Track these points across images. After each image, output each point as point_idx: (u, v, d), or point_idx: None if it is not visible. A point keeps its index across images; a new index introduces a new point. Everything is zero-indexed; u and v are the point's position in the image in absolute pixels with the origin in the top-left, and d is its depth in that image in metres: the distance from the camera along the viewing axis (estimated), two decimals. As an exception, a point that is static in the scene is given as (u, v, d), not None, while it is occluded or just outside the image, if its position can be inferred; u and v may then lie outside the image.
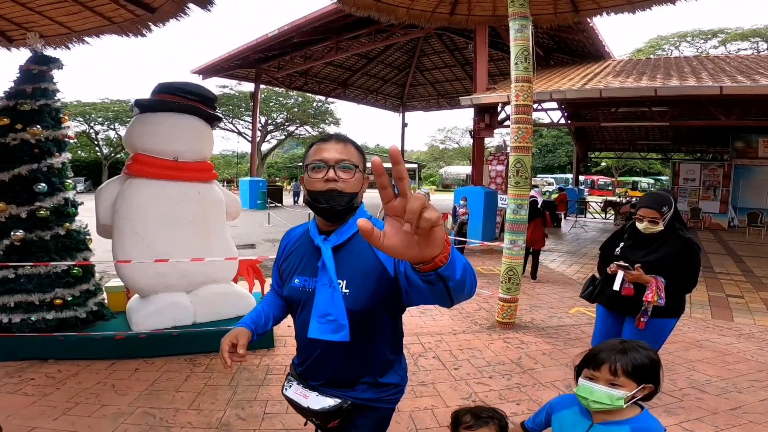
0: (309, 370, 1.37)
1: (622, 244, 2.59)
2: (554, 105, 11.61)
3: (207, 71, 17.07)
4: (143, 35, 4.97)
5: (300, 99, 35.30)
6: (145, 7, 4.45)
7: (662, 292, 2.34)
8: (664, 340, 2.55)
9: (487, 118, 10.27)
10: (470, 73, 19.82)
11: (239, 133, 34.13)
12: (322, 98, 28.11)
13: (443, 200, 26.24)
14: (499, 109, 10.30)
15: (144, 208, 3.51)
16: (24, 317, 3.35)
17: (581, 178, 27.26)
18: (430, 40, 18.51)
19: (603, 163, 39.24)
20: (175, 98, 3.75)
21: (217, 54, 16.54)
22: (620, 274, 2.45)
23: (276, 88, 27.84)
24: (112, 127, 32.19)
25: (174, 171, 3.65)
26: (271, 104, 34.43)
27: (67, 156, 3.67)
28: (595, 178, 36.62)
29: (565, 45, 14.32)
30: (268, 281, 6.04)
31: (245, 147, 38.50)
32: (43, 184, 3.40)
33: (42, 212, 3.38)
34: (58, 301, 3.42)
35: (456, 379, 3.34)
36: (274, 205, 16.77)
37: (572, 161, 26.28)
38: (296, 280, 1.34)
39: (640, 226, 2.44)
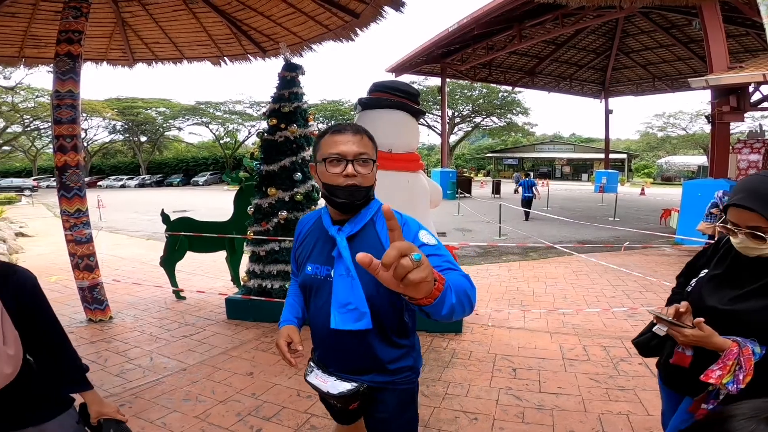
0: (325, 357, 1.40)
1: (705, 272, 1.49)
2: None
3: (398, 69, 18.39)
4: (352, 39, 5.70)
5: (485, 90, 35.00)
6: (351, 14, 5.11)
7: (745, 371, 1.25)
8: None
9: (732, 100, 8.45)
10: (697, 53, 16.70)
11: (428, 126, 35.64)
12: (508, 88, 27.28)
13: (664, 195, 22.95)
14: (751, 89, 8.40)
15: (367, 195, 4.06)
16: (281, 284, 4.15)
17: None
18: (633, 19, 16.18)
19: None
20: (387, 95, 4.19)
21: (406, 51, 17.70)
22: (659, 329, 1.43)
23: (461, 81, 28.19)
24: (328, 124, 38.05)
25: (388, 162, 4.05)
26: (456, 97, 35.02)
27: (310, 150, 4.49)
28: None
29: None
30: (463, 267, 6.27)
31: (433, 140, 40.13)
32: (299, 174, 4.17)
33: (298, 197, 4.14)
34: None
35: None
36: (462, 195, 17.20)
37: None
38: (309, 267, 1.35)
39: (734, 241, 1.36)
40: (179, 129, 46.75)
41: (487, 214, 12.81)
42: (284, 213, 4.14)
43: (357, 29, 5.55)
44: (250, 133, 44.45)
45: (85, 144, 43.11)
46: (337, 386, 1.34)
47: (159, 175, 42.93)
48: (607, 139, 25.47)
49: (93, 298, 4.15)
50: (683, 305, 1.39)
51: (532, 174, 19.58)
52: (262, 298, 4.16)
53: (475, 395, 2.90)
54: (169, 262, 5.06)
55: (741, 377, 1.25)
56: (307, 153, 4.33)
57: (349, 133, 1.26)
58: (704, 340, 1.31)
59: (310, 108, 4.62)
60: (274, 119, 4.27)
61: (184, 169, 44.74)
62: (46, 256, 8.09)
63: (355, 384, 1.33)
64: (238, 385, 2.98)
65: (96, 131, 43.31)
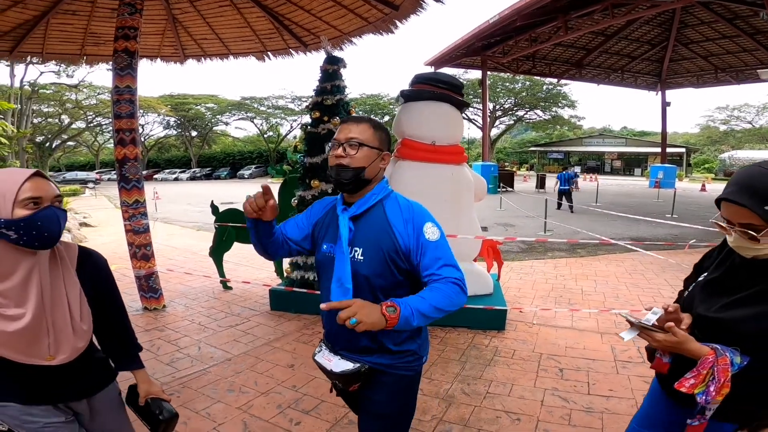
0: (332, 336, 1.47)
1: (704, 276, 1.35)
2: None
3: (437, 62, 18.08)
4: (392, 32, 5.60)
5: (528, 83, 33.98)
6: (391, 5, 5.00)
7: (717, 383, 1.13)
8: None
9: None
10: (764, 43, 15.58)
11: (469, 120, 35.15)
12: (554, 81, 26.25)
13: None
14: None
15: (411, 187, 3.96)
16: None
17: None
18: (691, 10, 15.14)
19: None
20: (430, 87, 4.12)
21: (445, 45, 17.37)
22: (628, 333, 1.30)
23: (502, 74, 27.46)
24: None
25: (432, 154, 4.01)
26: (497, 90, 34.23)
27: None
28: None
29: None
30: (506, 263, 6.22)
31: (474, 133, 39.55)
32: (341, 166, 4.24)
33: (339, 189, 4.22)
34: None
35: None
36: (504, 189, 16.82)
37: None
38: (324, 246, 1.47)
39: (729, 240, 1.22)
40: (226, 124, 48.63)
41: (530, 208, 12.41)
42: (327, 205, 4.17)
43: (396, 21, 5.47)
44: (292, 127, 45.57)
45: (143, 139, 45.84)
46: (340, 365, 1.40)
47: (208, 169, 44.84)
48: (664, 132, 24.02)
49: (149, 287, 4.37)
50: (672, 306, 1.28)
51: (576, 168, 18.83)
52: (305, 290, 4.22)
53: (519, 395, 2.80)
54: (217, 252, 5.25)
55: (712, 389, 1.14)
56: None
57: (351, 122, 1.42)
58: (678, 346, 1.20)
59: (351, 101, 4.61)
60: (317, 112, 4.30)
61: (231, 163, 46.46)
62: (108, 245, 8.61)
63: (357, 364, 1.38)
64: (280, 377, 3.04)
65: (152, 127, 45.88)
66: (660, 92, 21.99)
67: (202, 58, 6.95)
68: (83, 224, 11.28)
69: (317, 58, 7.10)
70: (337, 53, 6.31)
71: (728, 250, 1.28)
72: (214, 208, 5.36)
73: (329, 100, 4.29)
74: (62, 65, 31.53)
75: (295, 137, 44.82)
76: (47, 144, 35.54)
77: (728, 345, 1.18)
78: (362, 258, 1.38)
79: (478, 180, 4.45)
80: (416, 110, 4.06)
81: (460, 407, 2.66)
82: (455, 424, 2.47)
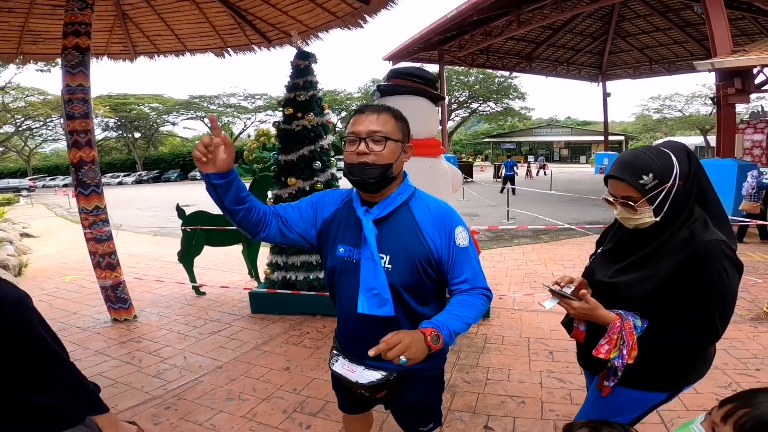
0: (354, 345, 1.35)
1: (602, 248, 1.55)
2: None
3: (395, 57, 18.18)
4: (361, 26, 5.51)
5: (481, 76, 34.81)
6: (361, 0, 4.94)
7: (628, 346, 1.28)
8: (630, 423, 1.40)
9: (737, 82, 8.54)
10: (693, 36, 16.85)
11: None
12: (505, 73, 27.10)
13: None
14: (755, 71, 8.47)
15: (390, 182, 4.01)
16: (305, 275, 4.10)
17: None
18: (629, 3, 16.19)
19: None
20: (405, 82, 4.13)
21: (402, 40, 17.53)
22: (550, 302, 1.40)
23: (456, 68, 28.04)
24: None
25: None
26: (452, 83, 34.87)
27: (331, 138, 4.35)
28: None
29: None
30: (483, 252, 6.34)
31: (427, 127, 40.34)
32: (319, 163, 4.09)
33: (319, 185, 4.08)
34: None
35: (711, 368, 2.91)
36: (465, 180, 17.15)
37: None
38: (341, 249, 1.33)
39: (615, 213, 1.39)
40: (173, 124, 46.58)
41: (491, 198, 12.78)
42: (305, 203, 4.08)
43: (366, 16, 5.41)
44: (246, 125, 44.21)
45: (79, 142, 42.81)
46: (366, 375, 1.31)
47: (156, 171, 42.62)
48: (606, 122, 25.50)
49: (116, 297, 4.10)
50: (576, 279, 1.42)
51: (541, 157, 19.56)
52: (288, 291, 4.12)
53: (517, 379, 2.88)
54: (187, 256, 5.01)
55: (625, 352, 1.28)
56: (326, 141, 4.26)
57: (368, 112, 1.27)
58: (590, 313, 1.33)
59: (324, 96, 4.53)
60: (290, 108, 4.18)
61: (180, 164, 44.41)
62: (55, 257, 8.02)
63: (385, 372, 1.31)
64: (277, 381, 2.95)
65: None
66: (601, 83, 23.26)
67: (155, 56, 6.56)
68: (24, 234, 10.40)
69: (279, 54, 6.91)
70: (304, 48, 6.19)
71: (619, 225, 1.45)
72: (180, 211, 5.11)
73: (302, 96, 4.18)
74: None
75: (249, 136, 43.73)
76: (-29, 151, 32.41)
77: (624, 308, 1.33)
78: (390, 266, 1.27)
79: (454, 172, 4.51)
80: (395, 105, 4.05)
81: (465, 395, 2.70)
82: (464, 412, 2.50)
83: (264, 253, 5.01)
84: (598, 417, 1.31)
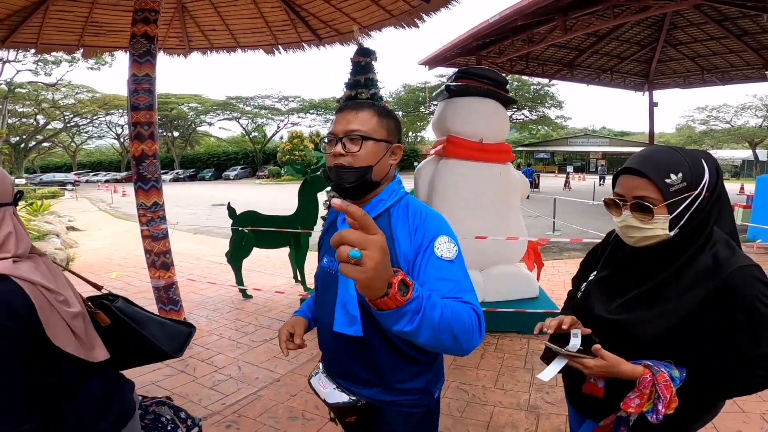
0: (330, 363, 1.26)
1: (594, 274, 1.27)
2: None
3: (431, 62, 17.88)
4: (417, 26, 5.28)
5: (516, 83, 34.22)
6: None
7: (665, 400, 1.03)
8: None
9: None
10: (752, 45, 16.12)
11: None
12: (542, 81, 26.44)
13: None
14: None
15: (457, 186, 3.73)
16: None
17: None
18: (682, 11, 15.45)
19: None
20: (475, 83, 3.89)
21: (440, 44, 17.28)
22: (554, 366, 1.13)
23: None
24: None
25: (480, 152, 3.79)
26: (487, 90, 34.46)
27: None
28: None
29: None
30: (546, 263, 6.03)
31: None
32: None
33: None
34: None
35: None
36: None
37: None
38: (325, 259, 1.26)
39: (617, 221, 1.12)
40: (210, 124, 47.76)
41: (532, 208, 12.32)
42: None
43: (423, 15, 5.19)
44: (279, 127, 44.98)
45: (122, 139, 44.65)
46: (334, 395, 1.20)
47: (192, 170, 43.80)
48: (651, 132, 24.39)
49: (168, 299, 3.97)
50: (567, 320, 1.14)
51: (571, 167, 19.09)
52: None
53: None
54: (235, 257, 4.88)
55: (660, 407, 1.04)
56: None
57: (348, 110, 1.14)
58: (609, 370, 1.07)
59: (383, 96, 4.33)
60: (352, 107, 4.00)
61: (215, 164, 45.54)
62: (100, 251, 8.12)
63: (354, 398, 1.17)
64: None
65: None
66: (647, 92, 22.37)
67: (208, 51, 6.53)
68: (70, 228, 10.66)
69: (322, 54, 6.77)
70: (341, 47, 5.98)
71: (613, 245, 1.25)
72: (231, 211, 4.99)
73: (364, 94, 4.02)
74: (40, 63, 30.53)
75: (281, 138, 44.48)
76: (22, 145, 34.12)
77: (632, 351, 1.09)
78: None
79: (523, 179, 4.23)
80: (463, 106, 3.82)
81: (551, 417, 2.44)
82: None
83: (311, 258, 4.83)
84: None
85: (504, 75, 4.17)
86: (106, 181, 35.23)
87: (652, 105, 22.75)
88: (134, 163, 3.75)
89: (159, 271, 3.91)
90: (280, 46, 6.47)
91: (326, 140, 1.16)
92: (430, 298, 0.87)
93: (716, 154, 38.34)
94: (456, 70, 4.10)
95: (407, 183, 4.61)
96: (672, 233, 1.05)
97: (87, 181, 35.84)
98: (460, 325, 0.92)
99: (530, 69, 20.46)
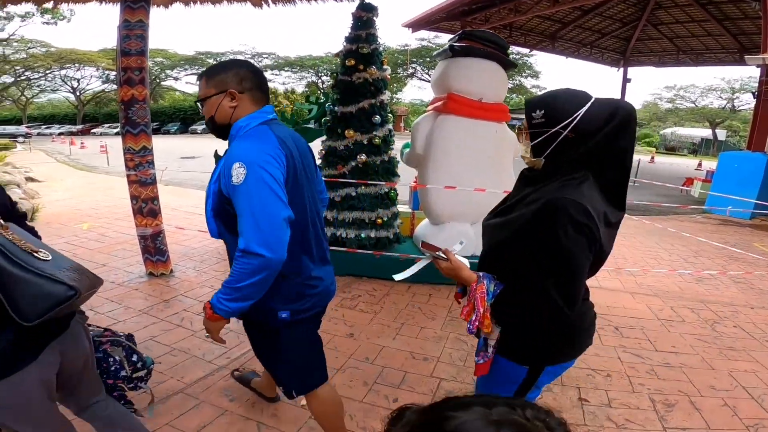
0: None
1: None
2: None
3: (415, 24, 17.58)
4: None
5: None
6: None
7: (478, 313, 1.16)
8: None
9: None
10: (731, 30, 16.63)
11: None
12: (523, 51, 26.41)
13: (672, 163, 24.36)
14: None
15: (456, 142, 3.80)
16: (356, 233, 3.95)
17: None
18: (668, -8, 15.70)
19: None
20: (479, 45, 3.93)
21: (424, 8, 16.91)
22: (412, 268, 1.33)
23: (473, 41, 27.30)
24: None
25: (480, 111, 3.86)
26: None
27: (387, 94, 4.12)
28: None
29: None
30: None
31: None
32: (378, 117, 3.90)
33: (376, 140, 3.89)
34: (379, 221, 3.96)
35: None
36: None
37: None
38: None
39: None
40: (176, 79, 45.80)
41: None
42: (363, 156, 3.90)
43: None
44: (253, 83, 43.71)
45: (78, 93, 42.18)
46: None
47: (156, 123, 41.77)
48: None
49: (155, 249, 3.89)
50: (445, 249, 1.31)
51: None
52: (337, 248, 3.94)
53: (593, 353, 2.79)
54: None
55: (474, 318, 1.17)
56: (385, 96, 4.05)
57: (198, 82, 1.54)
58: (455, 273, 1.24)
59: (384, 51, 4.27)
60: (353, 60, 3.93)
61: (181, 118, 43.55)
62: (67, 202, 7.75)
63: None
64: (346, 349, 2.77)
65: (89, 81, 42.61)
66: (622, 69, 22.80)
67: (191, 3, 6.11)
68: (29, 179, 10.06)
69: (301, 11, 6.47)
70: (335, 3, 5.74)
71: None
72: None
73: (365, 49, 3.93)
74: None
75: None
76: (-32, 100, 31.93)
77: (486, 252, 1.26)
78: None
79: (514, 139, 4.33)
80: (465, 66, 3.86)
81: None
82: (553, 384, 2.39)
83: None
84: (489, 387, 1.32)
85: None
86: (60, 134, 33.37)
87: (626, 81, 23.23)
88: (122, 108, 3.58)
89: (146, 219, 3.82)
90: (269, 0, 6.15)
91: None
92: (221, 289, 1.34)
93: (679, 131, 40.00)
94: (461, 31, 4.12)
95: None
96: (535, 159, 1.20)
97: (39, 134, 33.56)
98: (236, 278, 1.28)
99: (513, 38, 20.33)
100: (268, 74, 43.11)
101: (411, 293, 3.76)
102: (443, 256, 1.24)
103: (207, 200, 1.40)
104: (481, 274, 1.19)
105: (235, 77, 1.39)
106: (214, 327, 1.41)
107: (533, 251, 1.09)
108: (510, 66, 4.15)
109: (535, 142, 1.17)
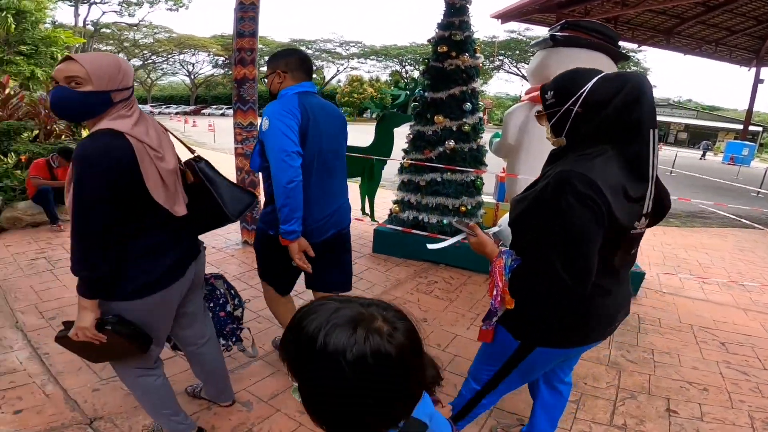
0: None
1: None
2: None
3: (505, 16, 16.66)
4: None
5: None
6: None
7: (498, 288, 1.18)
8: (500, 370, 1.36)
9: None
10: None
11: (524, 77, 33.88)
12: (629, 45, 24.16)
13: None
14: None
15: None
16: (438, 219, 3.98)
17: None
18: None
19: None
20: (585, 36, 3.69)
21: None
22: (446, 242, 1.42)
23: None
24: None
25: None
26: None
27: (479, 82, 4.06)
28: None
29: None
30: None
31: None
32: (469, 104, 3.87)
33: (466, 127, 3.87)
34: (462, 208, 3.94)
35: None
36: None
37: None
38: None
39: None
40: (272, 63, 49.32)
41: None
42: (452, 143, 3.89)
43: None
44: (338, 70, 45.45)
45: (192, 76, 46.71)
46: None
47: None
48: (750, 109, 22.41)
49: (252, 218, 4.26)
50: (471, 224, 1.39)
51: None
52: (418, 232, 4.02)
53: (690, 366, 2.58)
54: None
55: (495, 292, 1.18)
56: (477, 84, 3.99)
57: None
58: (481, 248, 1.29)
59: (477, 39, 4.20)
60: (445, 47, 3.92)
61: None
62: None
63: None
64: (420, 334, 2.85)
65: (202, 65, 47.00)
66: (754, 68, 20.04)
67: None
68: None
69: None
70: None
71: None
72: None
73: (458, 36, 3.90)
74: (124, 5, 32.48)
75: (339, 81, 44.76)
76: (104, 81, 37.09)
77: (512, 227, 1.27)
78: None
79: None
80: (570, 56, 3.61)
81: (633, 375, 2.46)
82: (638, 393, 2.28)
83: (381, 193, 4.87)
84: (485, 355, 1.39)
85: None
86: (176, 113, 37.51)
87: (757, 81, 20.63)
88: (235, 86, 3.95)
89: (248, 189, 4.18)
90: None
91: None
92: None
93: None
94: (563, 21, 3.89)
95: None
96: (562, 140, 1.22)
97: (160, 113, 37.97)
98: (282, 201, 1.77)
99: (618, 32, 18.59)
100: (354, 62, 44.88)
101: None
102: (473, 232, 1.32)
103: (255, 145, 1.91)
104: (503, 249, 1.24)
105: (282, 62, 1.93)
106: (292, 249, 1.83)
107: (541, 224, 1.12)
108: (622, 58, 3.86)
109: (551, 121, 1.22)
